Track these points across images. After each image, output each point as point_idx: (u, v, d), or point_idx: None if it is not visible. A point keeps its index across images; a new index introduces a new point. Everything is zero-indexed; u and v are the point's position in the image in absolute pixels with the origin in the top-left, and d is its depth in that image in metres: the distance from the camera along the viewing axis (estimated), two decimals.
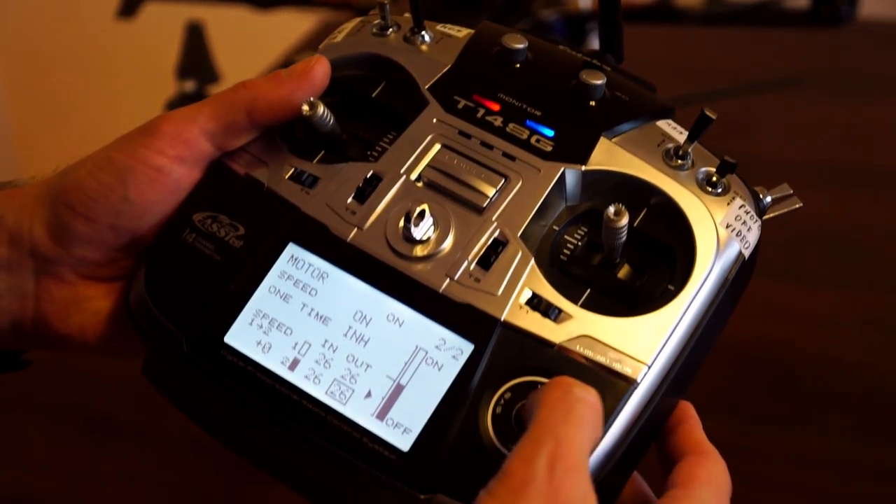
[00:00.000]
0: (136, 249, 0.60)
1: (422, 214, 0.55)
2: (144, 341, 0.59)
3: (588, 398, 0.50)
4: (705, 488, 0.54)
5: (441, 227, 0.56)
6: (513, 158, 0.58)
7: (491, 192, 0.57)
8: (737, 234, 0.56)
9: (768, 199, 0.59)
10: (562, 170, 0.57)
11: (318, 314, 0.56)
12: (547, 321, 0.54)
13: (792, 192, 0.59)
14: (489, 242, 0.56)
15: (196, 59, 1.14)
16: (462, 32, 0.64)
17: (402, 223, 0.56)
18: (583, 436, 0.49)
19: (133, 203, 0.59)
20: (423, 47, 0.63)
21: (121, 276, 0.61)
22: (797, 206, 0.60)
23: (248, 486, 0.88)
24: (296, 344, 0.55)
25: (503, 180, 0.57)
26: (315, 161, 0.60)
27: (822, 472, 0.91)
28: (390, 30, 0.63)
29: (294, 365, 0.55)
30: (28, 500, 0.90)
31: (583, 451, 0.48)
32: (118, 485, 0.91)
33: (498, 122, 0.59)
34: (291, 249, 0.57)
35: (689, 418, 0.56)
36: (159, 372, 0.58)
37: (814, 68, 1.32)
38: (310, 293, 0.56)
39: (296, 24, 1.54)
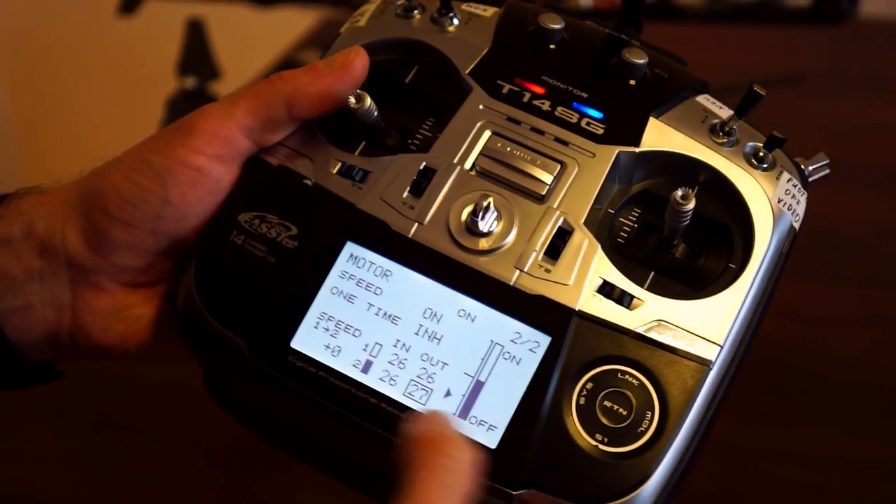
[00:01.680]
0: (176, 252, 0.58)
1: (488, 207, 0.55)
2: (195, 351, 0.57)
3: (460, 456, 0.47)
4: None
5: (504, 219, 0.55)
6: (566, 143, 0.57)
7: (549, 179, 0.56)
8: (788, 208, 0.57)
9: (810, 168, 0.60)
10: (617, 153, 0.57)
11: (385, 313, 0.55)
12: (620, 308, 0.54)
13: (827, 159, 0.61)
14: (554, 232, 0.55)
15: (197, 56, 1.11)
16: (489, 12, 0.62)
17: (464, 216, 0.55)
18: (452, 499, 0.47)
19: (174, 205, 0.56)
20: (452, 29, 0.61)
21: (161, 280, 0.59)
22: (827, 171, 0.61)
23: (254, 483, 0.87)
24: (366, 345, 0.54)
25: (559, 166, 0.57)
26: (357, 152, 0.59)
27: (824, 470, 0.93)
28: (415, 11, 0.62)
29: (367, 367, 0.54)
30: (30, 497, 0.87)
31: None
32: (121, 482, 0.88)
33: (546, 105, 0.58)
34: (351, 248, 0.56)
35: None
36: (223, 382, 0.56)
37: (815, 66, 1.33)
38: (375, 292, 0.55)
39: (296, 21, 1.51)
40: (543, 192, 0.56)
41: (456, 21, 0.61)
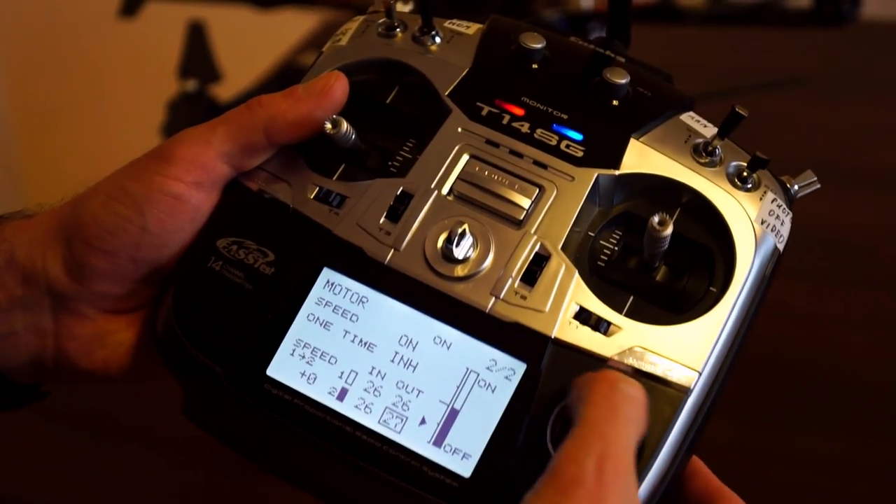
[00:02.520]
0: (157, 279, 0.58)
1: (463, 233, 0.54)
2: (176, 376, 0.57)
3: (634, 394, 0.50)
4: None
5: (481, 244, 0.55)
6: (545, 167, 0.57)
7: (527, 203, 0.56)
8: (771, 230, 0.56)
9: (795, 187, 0.59)
10: (596, 175, 0.56)
11: (361, 341, 0.55)
12: (597, 335, 0.54)
13: (815, 177, 0.60)
14: (531, 258, 0.55)
15: (198, 59, 1.11)
16: (472, 29, 0.62)
17: (440, 242, 0.55)
18: (629, 434, 0.49)
19: (152, 233, 0.56)
20: (434, 48, 0.61)
21: (142, 306, 0.59)
22: (817, 187, 0.60)
23: (252, 487, 0.87)
24: (342, 373, 0.54)
25: (538, 190, 0.56)
26: (336, 176, 0.59)
27: (824, 472, 0.92)
28: (397, 29, 0.61)
29: (342, 395, 0.54)
30: (29, 501, 0.88)
31: (630, 452, 0.49)
32: (122, 487, 0.89)
33: (525, 127, 0.58)
34: (327, 274, 0.55)
35: (701, 468, 0.57)
36: (201, 410, 0.56)
37: (816, 68, 1.32)
38: (351, 319, 0.55)
39: (297, 24, 1.51)
40: (521, 217, 0.56)
41: (438, 40, 0.61)
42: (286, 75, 1.17)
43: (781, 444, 0.93)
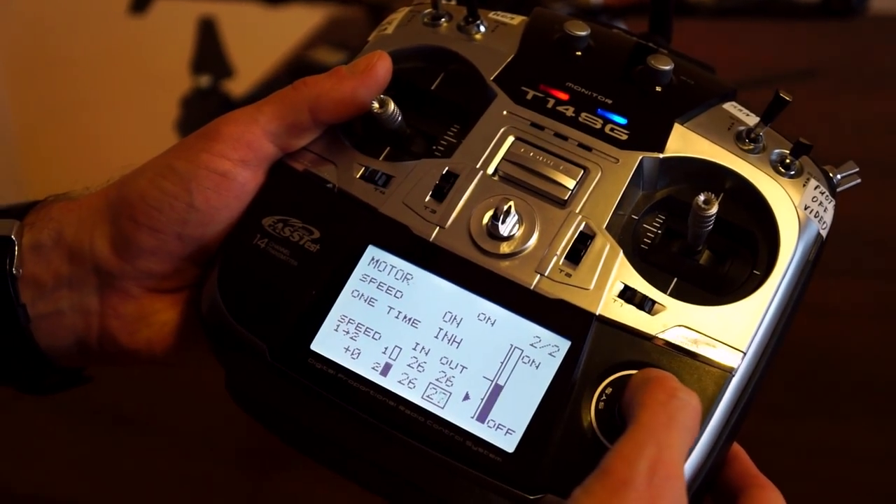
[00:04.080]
0: (202, 258, 0.58)
1: (509, 210, 0.55)
2: (219, 354, 0.57)
3: (691, 403, 0.50)
4: None
5: (526, 223, 0.55)
6: (589, 149, 0.57)
7: (571, 184, 0.56)
8: (815, 215, 0.56)
9: (838, 176, 0.59)
10: (640, 158, 0.57)
11: (405, 317, 0.55)
12: (642, 313, 0.54)
13: (857, 168, 0.60)
14: (576, 236, 0.55)
15: (210, 55, 1.13)
16: (516, 20, 0.63)
17: (486, 220, 0.55)
18: (683, 442, 0.49)
19: (198, 210, 0.57)
20: (478, 37, 0.61)
21: (186, 286, 0.59)
22: (857, 181, 0.60)
23: (271, 480, 0.87)
24: (386, 348, 0.54)
25: (582, 172, 0.56)
26: (382, 158, 0.59)
27: (837, 462, 0.92)
28: (442, 19, 0.62)
29: (386, 370, 0.54)
30: (50, 496, 0.88)
31: (682, 459, 0.48)
32: (139, 481, 0.89)
33: (569, 111, 0.58)
34: (372, 252, 0.56)
35: (741, 454, 0.56)
36: (243, 384, 0.56)
37: (825, 61, 1.34)
38: (395, 296, 0.55)
39: (306, 19, 1.53)
40: (566, 197, 0.56)
41: (482, 29, 0.62)
42: (296, 69, 1.17)
43: (788, 434, 0.94)
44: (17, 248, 0.58)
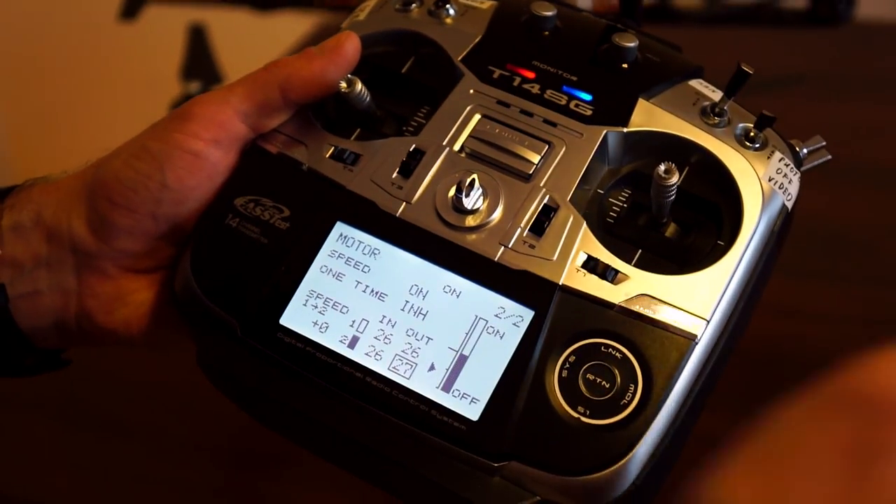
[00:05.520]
0: (177, 238, 0.59)
1: (472, 184, 0.55)
2: (193, 330, 0.58)
3: None
4: None
5: (490, 196, 0.56)
6: (554, 124, 0.58)
7: (536, 158, 0.57)
8: (779, 187, 0.57)
9: (804, 150, 0.60)
10: (604, 133, 0.58)
11: (373, 291, 0.56)
12: (605, 283, 0.54)
13: (824, 142, 0.60)
14: (540, 209, 0.56)
15: (199, 61, 1.15)
16: (486, 4, 0.64)
17: (451, 194, 0.56)
18: None
19: (172, 189, 0.58)
20: (449, 20, 0.62)
21: (162, 266, 0.61)
22: (827, 157, 0.61)
23: (260, 483, 0.87)
24: (353, 322, 0.55)
25: (547, 146, 0.57)
26: (352, 138, 0.60)
27: None
28: (413, 5, 0.63)
29: (353, 343, 0.55)
30: (37, 499, 0.89)
31: None
32: (127, 484, 0.90)
33: (535, 89, 0.59)
34: (340, 228, 0.57)
35: None
36: (214, 359, 0.57)
37: (812, 68, 1.34)
38: (363, 270, 0.56)
39: (295, 26, 1.54)
40: (530, 172, 0.57)
41: (452, 13, 0.63)
42: None
43: None
44: None
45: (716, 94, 0.60)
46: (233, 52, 1.28)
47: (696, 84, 0.60)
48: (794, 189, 0.58)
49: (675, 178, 0.54)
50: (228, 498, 0.88)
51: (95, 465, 0.91)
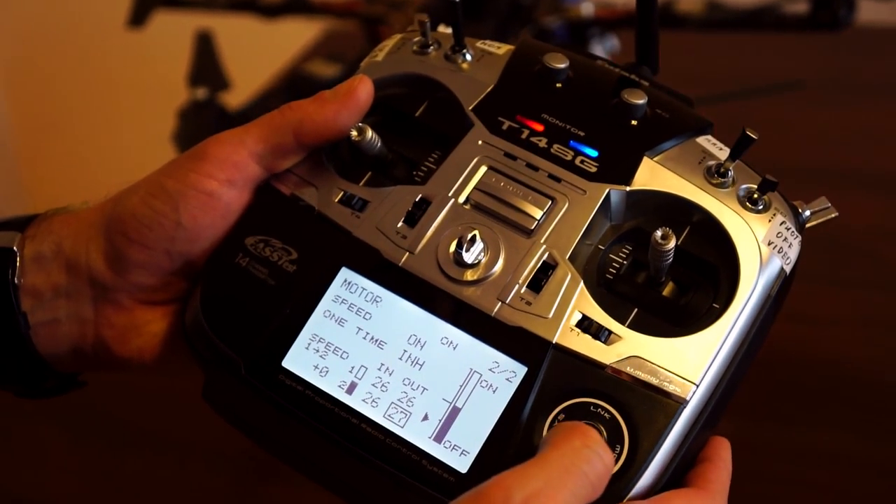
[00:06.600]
0: (190, 272, 0.61)
1: (473, 239, 0.57)
2: (201, 364, 0.60)
3: (603, 459, 0.50)
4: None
5: (491, 251, 0.57)
6: (558, 180, 0.59)
7: (538, 214, 0.58)
8: (778, 251, 0.58)
9: (807, 212, 0.60)
10: (607, 191, 0.58)
11: (373, 338, 0.57)
12: (597, 343, 0.55)
13: (829, 204, 0.61)
14: (539, 265, 0.57)
15: (207, 68, 1.15)
16: (502, 49, 0.64)
17: (453, 247, 0.57)
18: (577, 492, 0.49)
19: (186, 228, 0.60)
20: (465, 66, 0.63)
21: (175, 298, 0.63)
22: (833, 215, 0.61)
23: (268, 490, 0.89)
24: (352, 368, 0.57)
25: (550, 202, 0.58)
26: (362, 183, 0.61)
27: (826, 469, 0.93)
28: (431, 47, 0.64)
29: (351, 389, 0.56)
30: (46, 502, 0.91)
31: None
32: (138, 490, 0.92)
33: (542, 143, 0.60)
34: (345, 274, 0.58)
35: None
36: (219, 395, 0.59)
37: (813, 73, 1.34)
38: (364, 317, 0.57)
39: (302, 32, 1.55)
40: (532, 227, 0.58)
41: (469, 58, 0.64)
42: (292, 83, 1.19)
43: (780, 440, 0.95)
44: (18, 258, 0.61)
45: (722, 153, 0.60)
46: (240, 59, 1.29)
47: (704, 141, 0.61)
48: (793, 253, 0.58)
49: (671, 244, 0.55)
50: (231, 502, 0.90)
51: (106, 470, 0.93)
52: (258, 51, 1.55)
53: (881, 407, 0.98)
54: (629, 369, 0.55)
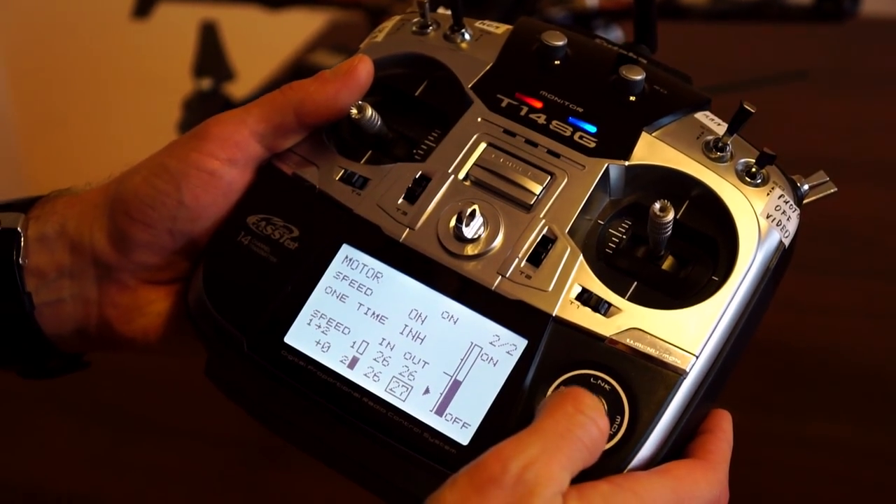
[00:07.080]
0: (193, 251, 0.62)
1: (472, 214, 0.57)
2: (204, 342, 0.61)
3: (598, 423, 0.51)
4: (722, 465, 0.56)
5: (491, 226, 0.58)
6: (557, 155, 0.59)
7: (538, 189, 0.58)
8: (777, 224, 0.58)
9: (805, 186, 0.60)
10: (606, 166, 0.59)
11: (374, 313, 0.58)
12: (597, 315, 0.56)
13: (828, 178, 0.61)
14: (538, 239, 0.57)
15: (211, 58, 1.15)
16: (500, 29, 0.65)
17: (453, 222, 0.58)
18: (573, 457, 0.49)
19: (188, 207, 0.60)
20: (464, 45, 0.64)
21: (178, 278, 0.63)
22: (832, 190, 0.61)
23: (272, 478, 0.90)
24: (354, 343, 0.57)
25: (549, 177, 0.59)
26: (363, 161, 0.62)
27: (826, 457, 0.93)
28: (430, 28, 0.65)
29: (353, 363, 0.57)
30: (53, 491, 0.92)
31: (564, 472, 0.49)
32: (141, 477, 0.92)
33: (541, 119, 0.60)
34: (346, 250, 0.59)
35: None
36: (221, 372, 0.60)
37: (817, 64, 1.35)
38: (365, 293, 0.58)
39: (306, 23, 1.56)
40: (531, 202, 0.58)
41: (467, 37, 0.64)
42: (297, 73, 1.20)
43: (783, 430, 0.95)
44: (23, 239, 0.62)
45: (720, 128, 0.61)
46: (244, 49, 1.29)
47: (702, 117, 0.61)
48: (791, 226, 0.59)
49: (669, 216, 0.55)
50: (237, 490, 0.90)
51: (110, 457, 0.93)
52: (263, 41, 1.55)
53: (885, 397, 0.98)
54: (629, 341, 0.55)
